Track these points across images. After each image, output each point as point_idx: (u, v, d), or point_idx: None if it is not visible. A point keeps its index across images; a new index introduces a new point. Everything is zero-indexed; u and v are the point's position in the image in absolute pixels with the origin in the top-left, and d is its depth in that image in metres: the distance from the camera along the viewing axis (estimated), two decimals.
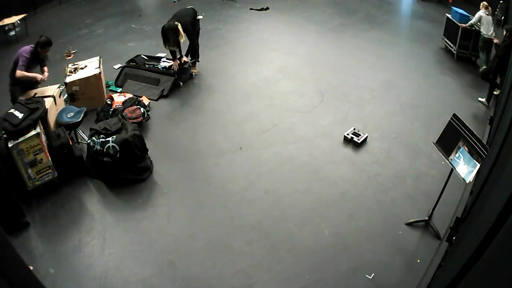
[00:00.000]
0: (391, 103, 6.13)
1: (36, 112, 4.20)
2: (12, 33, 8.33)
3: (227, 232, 3.97)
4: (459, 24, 7.21)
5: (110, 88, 6.42)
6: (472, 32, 7.05)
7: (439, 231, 3.89)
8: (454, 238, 3.45)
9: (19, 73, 4.74)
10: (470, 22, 6.96)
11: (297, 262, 3.66)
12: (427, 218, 4.01)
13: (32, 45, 4.92)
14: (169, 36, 5.90)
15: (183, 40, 6.13)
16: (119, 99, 5.67)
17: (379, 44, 8.23)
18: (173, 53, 6.28)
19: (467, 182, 3.33)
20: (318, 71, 7.07)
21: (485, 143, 3.24)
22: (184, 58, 6.50)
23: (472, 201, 3.54)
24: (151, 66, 6.64)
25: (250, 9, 10.10)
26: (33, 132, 4.03)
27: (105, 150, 4.36)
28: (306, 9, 10.19)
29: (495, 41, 6.05)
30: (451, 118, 3.64)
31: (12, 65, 4.86)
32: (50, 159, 4.21)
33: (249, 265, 3.63)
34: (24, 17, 8.44)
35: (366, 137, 5.23)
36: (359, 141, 5.11)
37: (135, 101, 5.65)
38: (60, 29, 8.84)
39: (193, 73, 6.76)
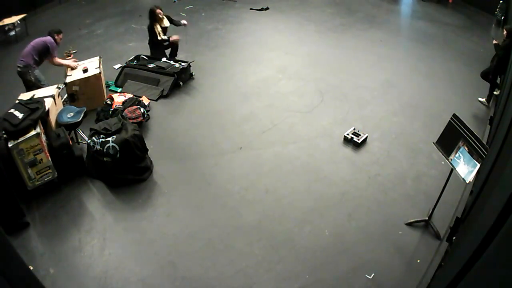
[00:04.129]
0: (391, 103, 6.13)
1: (36, 112, 4.20)
2: (12, 33, 8.33)
3: (227, 232, 3.97)
4: None
5: (110, 88, 6.42)
6: None
7: (439, 231, 3.89)
8: (454, 238, 3.45)
9: (58, 60, 5.64)
10: None
11: (297, 262, 3.66)
12: (427, 218, 4.01)
13: (48, 37, 5.53)
14: None
15: None
16: (119, 99, 5.67)
17: (379, 44, 8.23)
18: None
19: (467, 182, 3.33)
20: (318, 71, 7.07)
21: (485, 143, 3.24)
22: None
23: (472, 201, 3.53)
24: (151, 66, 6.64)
25: (250, 9, 10.10)
26: (33, 132, 4.03)
27: (105, 150, 4.36)
28: (306, 9, 10.19)
29: (495, 42, 6.05)
30: (451, 118, 3.64)
31: (33, 49, 5.39)
32: (50, 159, 4.20)
33: (249, 265, 3.63)
34: (24, 17, 8.44)
35: (366, 137, 5.23)
36: (359, 141, 5.11)
37: (135, 101, 5.66)
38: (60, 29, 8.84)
39: (193, 73, 6.76)
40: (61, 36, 5.77)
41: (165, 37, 6.74)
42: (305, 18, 9.55)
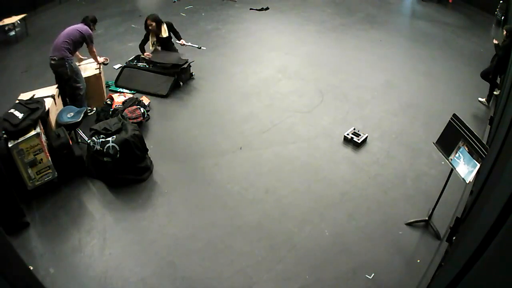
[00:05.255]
0: (391, 103, 6.13)
1: (36, 112, 4.20)
2: (12, 33, 8.33)
3: (227, 232, 3.97)
4: None
5: (110, 88, 6.42)
6: None
7: (439, 231, 3.89)
8: (454, 238, 3.45)
9: (94, 51, 5.59)
10: None
11: (297, 262, 3.66)
12: (427, 218, 4.01)
13: (83, 25, 5.48)
14: None
15: None
16: (119, 99, 5.67)
17: (379, 44, 8.24)
18: None
19: (467, 182, 3.33)
20: (318, 71, 7.07)
21: (485, 143, 3.24)
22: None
23: (472, 201, 3.53)
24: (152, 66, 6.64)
25: (250, 9, 10.10)
26: (33, 132, 4.03)
27: (105, 150, 4.36)
28: (306, 9, 10.20)
29: (495, 42, 6.06)
30: (451, 118, 3.64)
31: (68, 41, 5.24)
32: (50, 159, 4.20)
33: (249, 265, 3.63)
34: (24, 17, 8.43)
35: (366, 137, 5.23)
36: (359, 141, 5.11)
37: (135, 101, 5.66)
38: (60, 29, 8.68)
39: (193, 73, 6.77)
40: (95, 26, 5.73)
41: (144, 53, 6.69)
42: (305, 18, 9.55)
